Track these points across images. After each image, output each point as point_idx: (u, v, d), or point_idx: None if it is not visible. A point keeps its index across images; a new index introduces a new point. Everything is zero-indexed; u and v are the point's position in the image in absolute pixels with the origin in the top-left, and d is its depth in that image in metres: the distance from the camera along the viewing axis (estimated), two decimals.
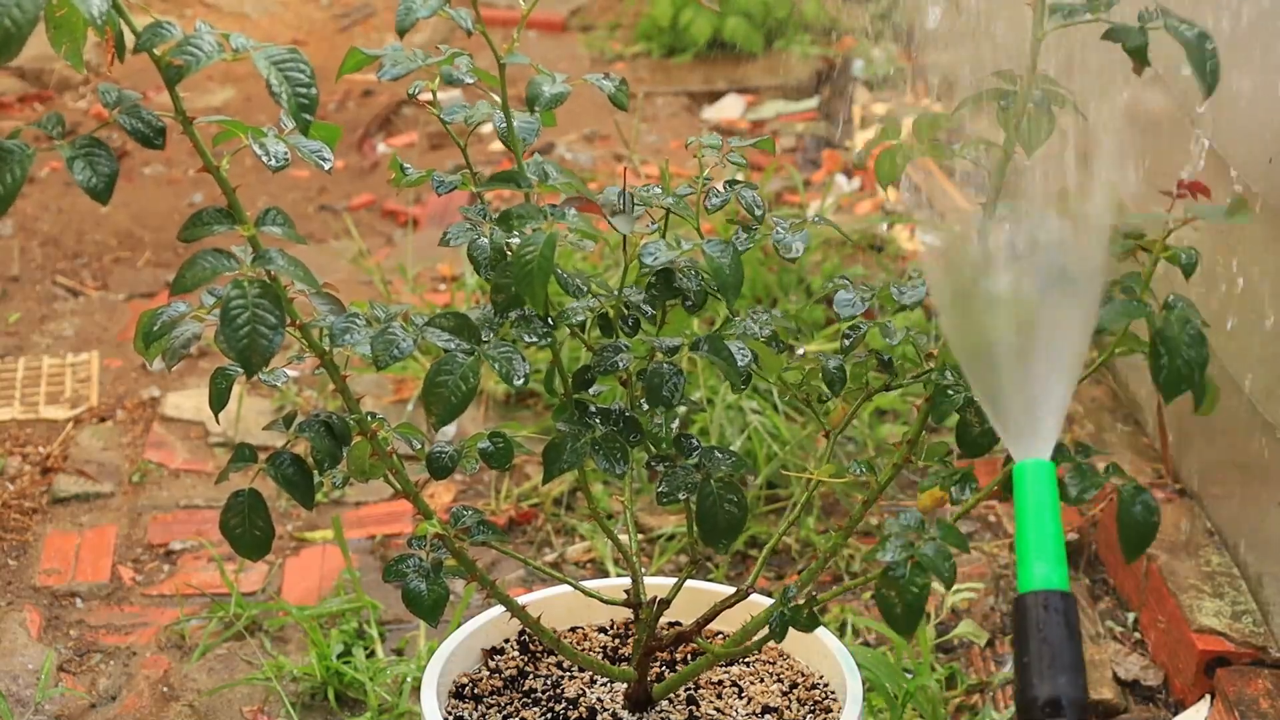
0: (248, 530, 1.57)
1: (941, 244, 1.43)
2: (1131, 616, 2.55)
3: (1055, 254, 1.33)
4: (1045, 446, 1.30)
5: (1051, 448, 1.32)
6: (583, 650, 1.95)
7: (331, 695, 2.44)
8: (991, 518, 2.88)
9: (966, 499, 1.61)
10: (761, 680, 1.92)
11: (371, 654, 2.52)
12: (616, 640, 1.99)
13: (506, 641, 1.97)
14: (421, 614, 1.64)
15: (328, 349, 1.55)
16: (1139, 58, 1.48)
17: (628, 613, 1.97)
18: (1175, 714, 2.33)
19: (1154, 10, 1.48)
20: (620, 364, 1.62)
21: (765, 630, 1.73)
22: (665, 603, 1.83)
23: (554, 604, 1.98)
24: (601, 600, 1.89)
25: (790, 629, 1.68)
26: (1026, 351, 1.30)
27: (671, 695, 1.88)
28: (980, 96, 1.53)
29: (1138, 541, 1.42)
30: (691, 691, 1.89)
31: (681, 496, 1.64)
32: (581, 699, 1.87)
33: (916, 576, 1.41)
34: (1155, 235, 1.45)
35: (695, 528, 1.70)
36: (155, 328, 1.55)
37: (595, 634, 1.99)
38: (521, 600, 1.91)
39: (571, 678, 1.91)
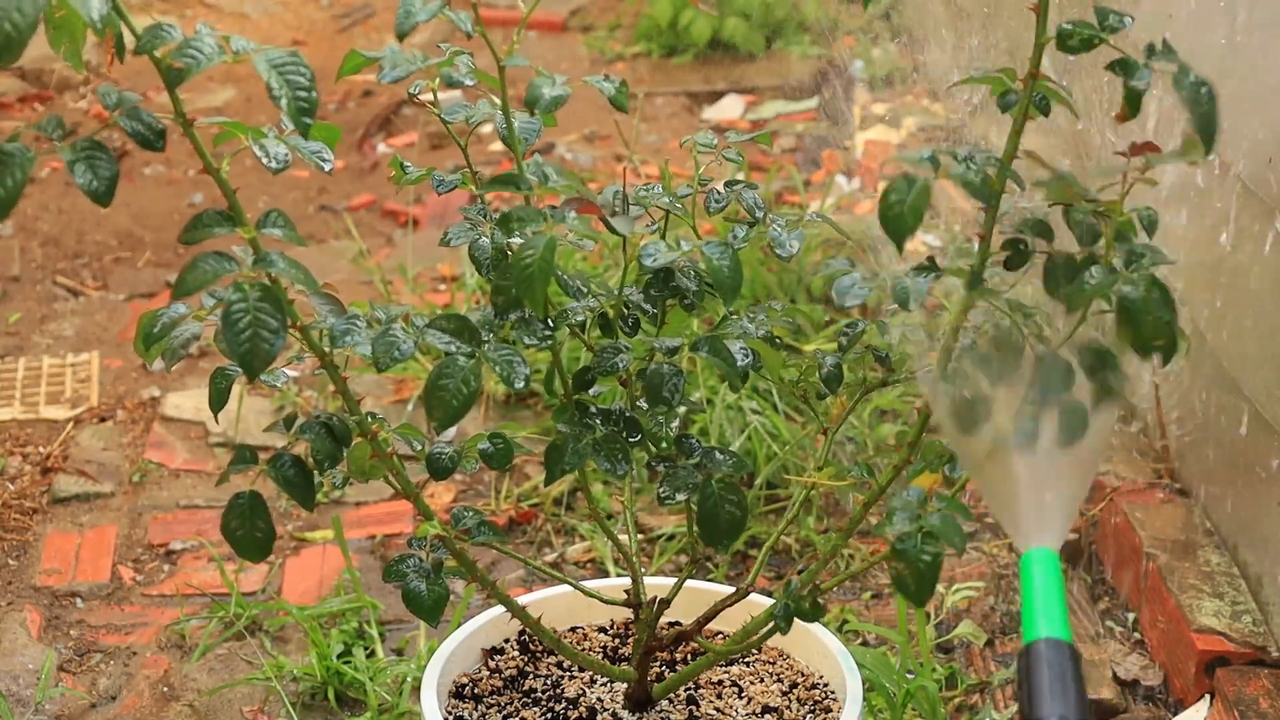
0: (249, 532, 1.57)
1: (939, 363, 1.45)
2: (1131, 616, 2.55)
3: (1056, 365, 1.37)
4: (1052, 540, 1.34)
5: (1060, 541, 1.35)
6: (583, 650, 1.95)
7: (331, 695, 2.44)
8: (990, 518, 2.88)
9: (960, 476, 1.62)
10: (761, 680, 1.92)
11: (371, 654, 2.52)
12: (616, 640, 1.99)
13: (506, 641, 1.97)
14: (422, 614, 1.64)
15: (328, 350, 1.56)
16: (1133, 103, 1.47)
17: (628, 613, 1.97)
18: (1175, 714, 2.33)
19: (1162, 47, 1.46)
20: (620, 364, 1.62)
21: (766, 628, 1.73)
22: (665, 603, 1.84)
23: (554, 604, 1.98)
24: (602, 600, 1.89)
25: (792, 629, 1.68)
26: (1031, 461, 1.33)
27: (671, 695, 1.88)
28: (976, 79, 1.52)
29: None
30: (691, 691, 1.90)
31: (681, 497, 1.64)
32: (581, 699, 1.87)
33: (927, 545, 1.42)
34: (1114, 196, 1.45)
35: (696, 528, 1.70)
36: (155, 329, 1.55)
37: (595, 634, 2.00)
38: (521, 600, 1.91)
39: (571, 677, 1.92)
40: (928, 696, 2.28)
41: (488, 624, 1.95)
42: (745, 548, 2.80)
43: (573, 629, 2.00)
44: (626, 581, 1.85)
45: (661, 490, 1.64)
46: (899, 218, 1.39)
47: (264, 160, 1.49)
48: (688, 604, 1.88)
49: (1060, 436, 1.33)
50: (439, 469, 1.67)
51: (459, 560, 1.69)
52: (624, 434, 1.65)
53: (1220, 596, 2.40)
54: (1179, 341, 1.38)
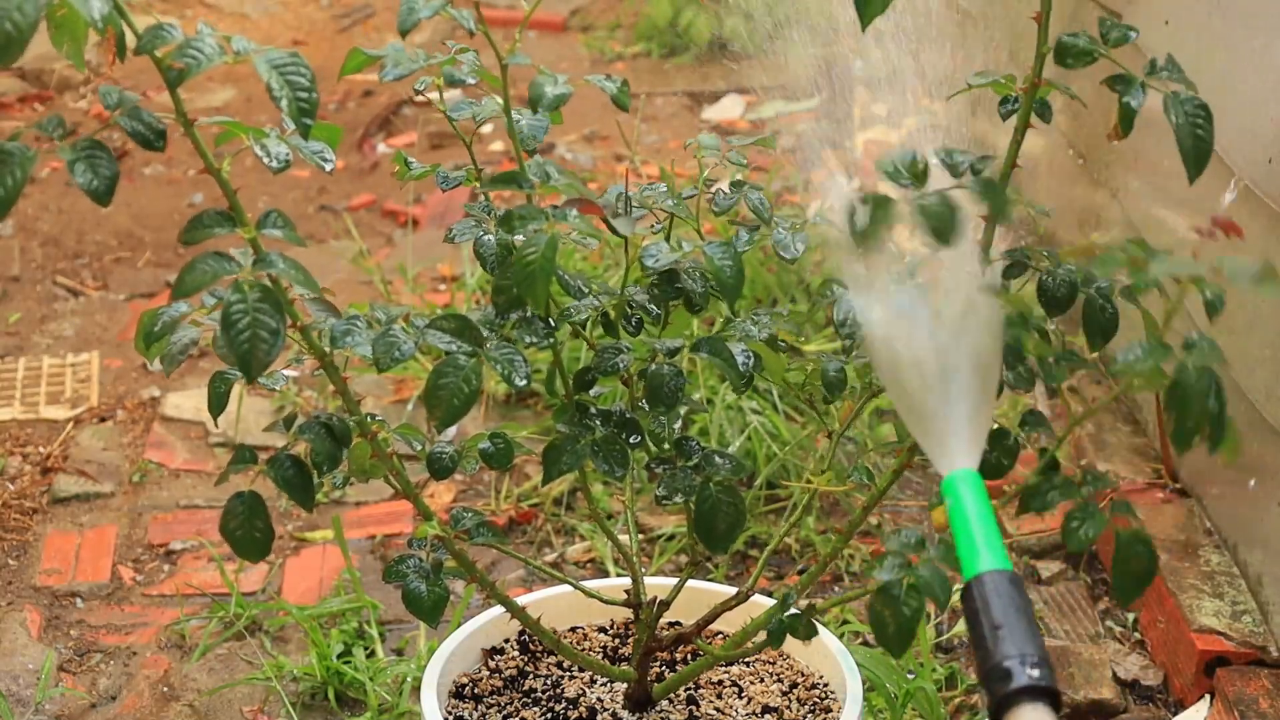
0: (248, 532, 1.57)
1: (869, 274, 1.44)
2: (1131, 616, 2.55)
3: (958, 279, 1.36)
4: (970, 460, 1.33)
5: (978, 459, 1.34)
6: (583, 650, 1.95)
7: (331, 695, 2.44)
8: None
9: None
10: (761, 680, 1.92)
11: (371, 654, 2.52)
12: (616, 640, 1.99)
13: (506, 641, 1.97)
14: (421, 615, 1.64)
15: (328, 351, 1.56)
16: (1126, 122, 1.46)
17: (628, 612, 1.97)
18: (1175, 714, 2.33)
19: (1164, 65, 1.45)
20: (621, 365, 1.62)
21: (763, 635, 1.73)
22: (665, 604, 1.84)
23: (554, 604, 1.98)
24: (602, 600, 1.89)
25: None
26: (941, 376, 1.33)
27: (671, 695, 1.88)
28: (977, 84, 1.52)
29: (1134, 587, 1.41)
30: (691, 691, 1.90)
31: (679, 499, 1.64)
32: (581, 699, 1.87)
33: (910, 598, 1.41)
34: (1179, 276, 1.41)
35: (693, 530, 1.70)
36: (155, 328, 1.55)
37: (595, 634, 2.00)
38: (521, 600, 1.91)
39: (571, 677, 1.92)
40: (927, 696, 2.28)
41: (488, 624, 1.95)
42: (745, 548, 2.80)
43: (573, 629, 2.00)
44: (626, 582, 1.85)
45: (659, 491, 1.64)
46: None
47: (265, 160, 1.49)
48: (688, 604, 1.88)
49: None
50: (439, 469, 1.67)
51: (458, 560, 1.69)
52: (624, 435, 1.64)
53: (1220, 596, 2.40)
54: (1227, 432, 1.35)
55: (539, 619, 1.83)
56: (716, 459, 1.66)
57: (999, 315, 1.37)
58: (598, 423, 1.64)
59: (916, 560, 1.42)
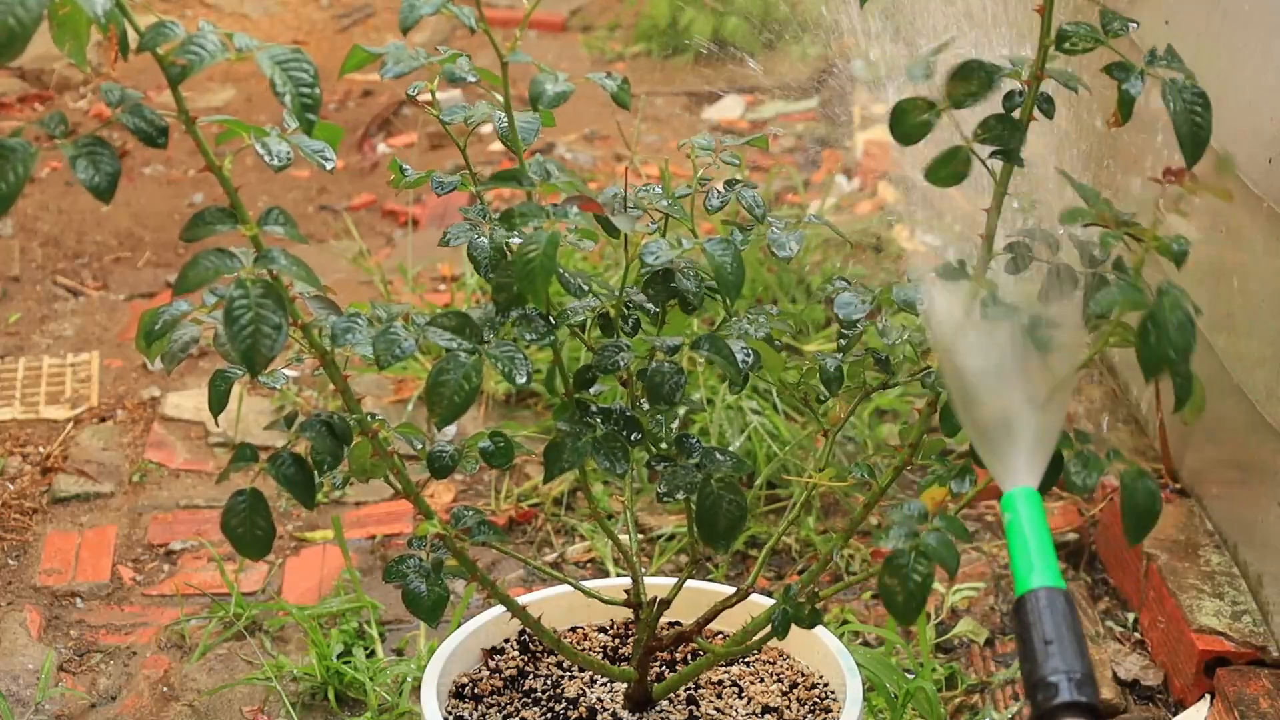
0: (249, 530, 1.57)
1: (941, 284, 1.46)
2: (1131, 616, 2.55)
3: (1037, 296, 1.39)
4: (1032, 478, 1.35)
5: (1039, 478, 1.36)
6: (583, 650, 1.95)
7: (331, 695, 2.44)
8: (990, 517, 2.88)
9: (966, 491, 1.62)
10: (761, 680, 1.92)
11: (371, 654, 2.52)
12: (617, 640, 1.99)
13: (506, 641, 1.97)
14: (421, 614, 1.64)
15: (329, 349, 1.56)
16: (1125, 109, 1.47)
17: (628, 612, 1.97)
18: (1175, 714, 2.33)
19: (1165, 53, 1.46)
20: (621, 363, 1.62)
21: (766, 630, 1.73)
22: (665, 603, 1.84)
23: (554, 604, 1.98)
24: (602, 600, 1.89)
25: (791, 628, 1.68)
26: (1011, 388, 1.36)
27: (671, 695, 1.88)
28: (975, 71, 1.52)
29: (1141, 524, 1.43)
30: (691, 691, 1.90)
31: (680, 496, 1.64)
32: (581, 699, 1.87)
33: (919, 565, 1.42)
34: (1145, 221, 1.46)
35: (695, 528, 1.70)
36: (156, 327, 1.55)
37: (595, 634, 2.00)
38: (521, 600, 1.91)
39: (572, 678, 1.92)
40: (927, 696, 2.28)
41: (488, 624, 1.95)
42: (745, 547, 2.80)
43: (573, 629, 2.00)
44: (626, 582, 1.85)
45: (660, 489, 1.64)
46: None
47: (266, 158, 1.49)
48: (688, 604, 1.88)
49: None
50: (440, 467, 1.67)
51: (459, 559, 1.69)
52: (624, 433, 1.65)
53: (1220, 596, 2.40)
54: (1194, 388, 1.38)
55: (539, 618, 1.83)
56: (717, 456, 1.66)
57: (1079, 340, 1.39)
58: (598, 420, 1.65)
59: (924, 530, 1.43)
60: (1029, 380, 1.36)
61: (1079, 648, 1.24)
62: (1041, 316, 1.40)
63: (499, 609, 1.91)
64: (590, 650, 1.96)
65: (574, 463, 1.62)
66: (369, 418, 1.62)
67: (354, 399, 1.60)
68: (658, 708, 1.86)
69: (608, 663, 1.90)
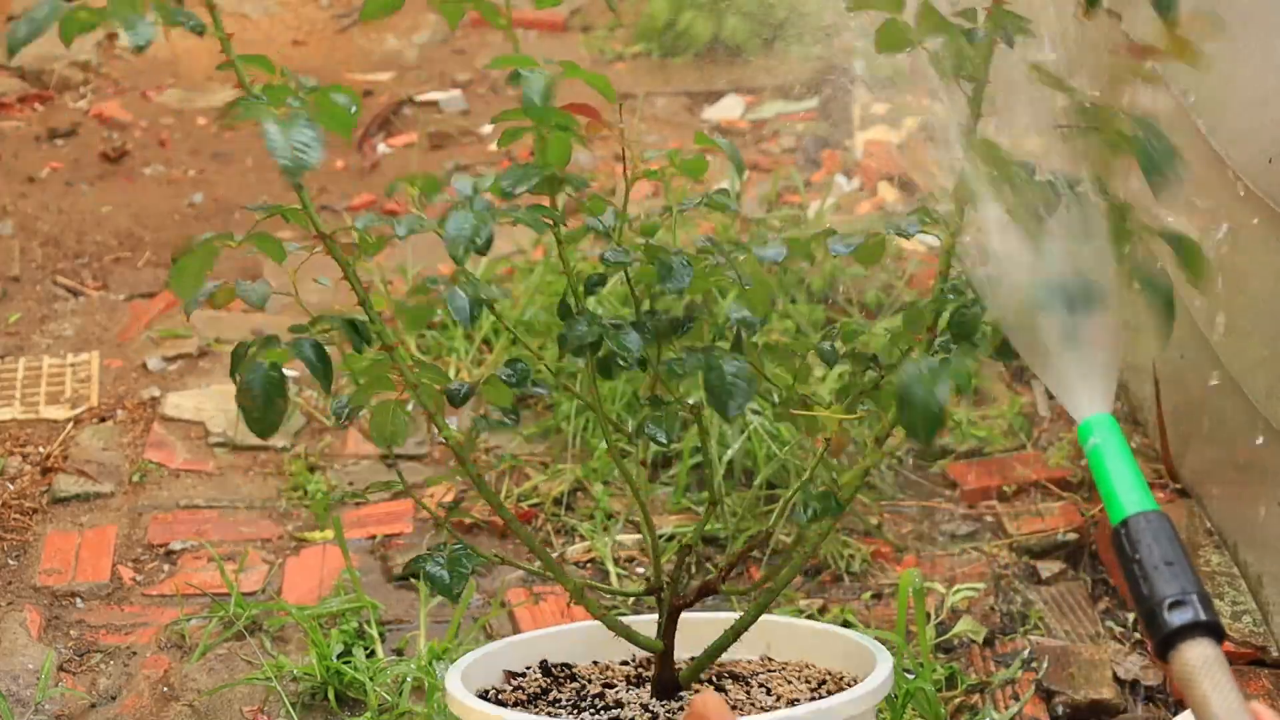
0: (267, 400, 1.58)
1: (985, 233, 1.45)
2: (1132, 616, 2.55)
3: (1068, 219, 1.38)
4: (1104, 405, 1.32)
5: (1110, 404, 1.33)
6: (605, 680, 1.93)
7: (331, 695, 2.44)
8: (989, 517, 2.88)
9: None
10: (790, 682, 1.91)
11: (371, 654, 2.52)
12: (640, 669, 1.96)
13: (529, 667, 1.95)
14: (445, 592, 1.67)
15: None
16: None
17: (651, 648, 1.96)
18: (1175, 714, 2.33)
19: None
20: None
21: (789, 569, 1.73)
22: (689, 547, 1.83)
23: (573, 636, 1.97)
24: (629, 639, 1.87)
25: (810, 635, 1.69)
26: (1067, 314, 1.34)
27: (697, 685, 1.86)
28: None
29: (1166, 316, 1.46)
30: (718, 681, 1.89)
31: (664, 439, 1.66)
32: (609, 693, 1.86)
33: (931, 382, 1.49)
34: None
35: (708, 396, 1.70)
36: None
37: (619, 666, 1.98)
38: (545, 631, 1.92)
39: (598, 693, 1.90)
40: (927, 696, 2.28)
41: (507, 647, 1.94)
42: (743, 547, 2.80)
43: (594, 663, 1.98)
44: (652, 618, 1.84)
45: (650, 429, 1.66)
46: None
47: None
48: (687, 637, 1.87)
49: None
50: (457, 398, 1.72)
51: (479, 487, 1.71)
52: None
53: (1220, 596, 2.40)
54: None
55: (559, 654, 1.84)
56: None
57: (1112, 260, 1.40)
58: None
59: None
60: (1084, 300, 1.35)
61: (1186, 566, 1.21)
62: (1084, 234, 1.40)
63: (519, 635, 1.92)
64: (614, 678, 1.94)
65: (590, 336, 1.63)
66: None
67: (374, 310, 1.63)
68: (685, 699, 1.85)
69: (632, 682, 1.89)
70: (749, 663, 1.94)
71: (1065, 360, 1.33)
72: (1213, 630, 1.18)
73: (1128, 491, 1.24)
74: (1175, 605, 1.18)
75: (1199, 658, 1.16)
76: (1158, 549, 1.21)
